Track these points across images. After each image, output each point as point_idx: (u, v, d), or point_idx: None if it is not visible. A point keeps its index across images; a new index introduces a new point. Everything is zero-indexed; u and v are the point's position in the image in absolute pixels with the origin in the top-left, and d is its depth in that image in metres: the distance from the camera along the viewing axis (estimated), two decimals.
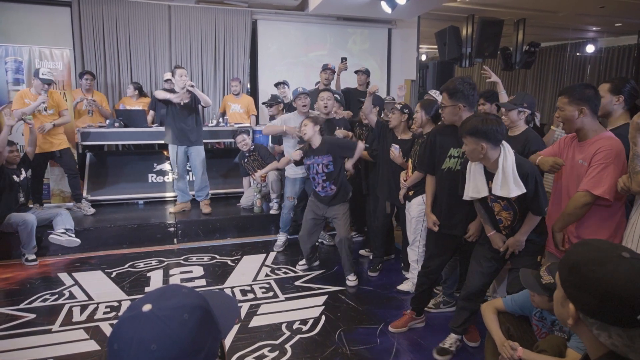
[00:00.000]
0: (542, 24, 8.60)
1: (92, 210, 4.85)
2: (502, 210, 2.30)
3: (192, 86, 4.55)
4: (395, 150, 3.52)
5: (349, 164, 3.72)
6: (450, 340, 2.63)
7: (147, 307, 0.74)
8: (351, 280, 3.66)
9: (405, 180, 3.38)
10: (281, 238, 4.49)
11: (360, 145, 3.72)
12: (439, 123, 3.29)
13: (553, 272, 1.94)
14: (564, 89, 2.28)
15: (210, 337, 0.77)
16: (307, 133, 3.58)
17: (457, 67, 8.28)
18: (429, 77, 8.54)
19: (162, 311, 0.73)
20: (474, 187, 2.30)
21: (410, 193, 3.36)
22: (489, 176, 2.26)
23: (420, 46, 8.30)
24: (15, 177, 4.09)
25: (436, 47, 8.43)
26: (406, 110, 3.55)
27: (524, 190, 2.16)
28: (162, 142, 5.12)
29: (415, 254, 3.35)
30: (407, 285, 3.50)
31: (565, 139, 2.45)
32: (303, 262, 4.00)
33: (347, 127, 4.41)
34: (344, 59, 5.40)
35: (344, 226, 3.64)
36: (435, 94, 3.68)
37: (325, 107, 4.12)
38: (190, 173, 5.27)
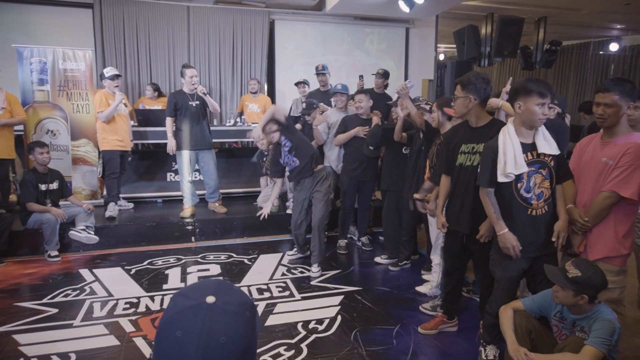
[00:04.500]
0: (564, 22, 8.43)
1: (117, 210, 4.94)
2: (544, 180, 2.24)
3: (205, 94, 4.57)
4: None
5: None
6: (492, 352, 2.50)
7: (211, 299, 0.74)
8: (314, 271, 3.78)
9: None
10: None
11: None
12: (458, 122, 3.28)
13: (580, 266, 1.91)
14: (613, 84, 2.18)
15: (257, 335, 0.80)
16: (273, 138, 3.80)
17: (476, 66, 8.18)
18: (447, 77, 8.44)
19: (228, 305, 0.74)
20: (513, 162, 2.18)
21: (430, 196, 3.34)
22: (526, 148, 2.21)
23: (438, 45, 8.22)
24: (43, 185, 4.18)
25: (454, 46, 8.34)
26: (431, 109, 3.53)
27: (559, 151, 2.21)
28: None
29: (438, 257, 3.32)
30: (426, 288, 3.47)
31: (586, 138, 2.43)
32: (293, 251, 4.16)
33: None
34: (361, 77, 5.54)
35: (320, 209, 3.77)
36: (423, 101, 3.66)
37: (360, 108, 4.18)
38: (198, 175, 5.28)
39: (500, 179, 2.20)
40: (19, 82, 5.03)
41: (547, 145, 2.21)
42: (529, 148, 2.21)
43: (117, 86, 4.74)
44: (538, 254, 2.28)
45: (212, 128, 5.87)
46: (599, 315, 1.92)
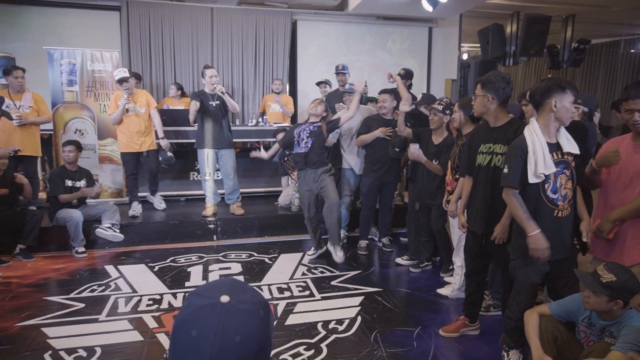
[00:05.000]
0: (593, 19, 8.20)
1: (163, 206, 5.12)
2: (568, 181, 2.21)
3: (223, 93, 4.58)
4: (415, 150, 3.51)
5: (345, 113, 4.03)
6: (514, 357, 2.44)
7: (225, 298, 0.74)
8: (339, 255, 3.84)
9: (447, 185, 3.34)
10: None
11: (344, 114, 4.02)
12: (480, 122, 3.23)
13: (613, 270, 1.86)
14: None
15: (272, 335, 0.79)
16: (317, 109, 3.98)
17: (500, 65, 8.02)
18: (470, 77, 8.32)
19: (242, 304, 0.74)
20: (543, 162, 2.13)
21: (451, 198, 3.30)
22: (551, 148, 2.17)
23: (461, 45, 8.11)
24: (70, 181, 4.30)
25: (478, 45, 8.21)
26: (448, 112, 3.49)
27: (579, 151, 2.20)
28: None
29: (460, 259, 3.28)
30: (447, 290, 3.42)
31: (613, 141, 2.42)
32: (312, 250, 4.20)
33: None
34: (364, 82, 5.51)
35: (332, 191, 3.84)
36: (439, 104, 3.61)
37: (383, 108, 4.16)
38: (219, 174, 5.31)
39: (532, 179, 2.14)
40: (49, 83, 5.20)
41: (570, 144, 2.18)
42: (555, 148, 2.18)
43: (126, 89, 4.62)
44: (561, 257, 2.23)
45: (233, 128, 5.93)
46: (629, 320, 1.86)
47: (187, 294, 0.83)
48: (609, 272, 1.85)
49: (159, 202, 5.18)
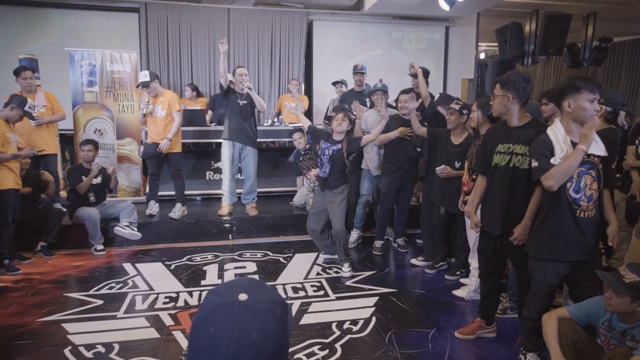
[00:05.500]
0: (616, 17, 8.01)
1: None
2: (594, 182, 2.17)
3: (250, 89, 4.63)
4: (442, 171, 3.54)
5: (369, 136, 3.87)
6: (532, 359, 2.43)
7: (243, 297, 0.74)
8: (346, 271, 3.78)
9: (464, 186, 3.31)
10: (354, 235, 4.59)
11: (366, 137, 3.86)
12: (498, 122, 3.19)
13: (637, 270, 1.82)
14: None
15: (289, 334, 0.80)
16: (342, 125, 3.73)
17: (519, 65, 7.91)
18: (487, 76, 8.21)
19: (259, 303, 0.74)
20: (564, 156, 2.13)
21: (467, 199, 3.26)
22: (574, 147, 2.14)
23: (479, 44, 8.02)
24: (85, 178, 4.37)
25: (496, 44, 8.10)
26: (465, 111, 3.45)
27: (607, 153, 2.16)
28: (220, 140, 5.27)
29: (476, 261, 3.24)
30: (463, 292, 3.39)
31: None
32: (325, 256, 4.12)
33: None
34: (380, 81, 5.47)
35: (339, 218, 3.79)
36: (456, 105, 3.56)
37: (404, 108, 4.08)
38: (239, 174, 5.33)
39: (554, 161, 2.14)
40: (70, 84, 5.30)
41: (596, 145, 2.13)
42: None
43: (148, 92, 4.65)
44: (584, 259, 2.19)
45: None
46: None
47: (206, 292, 0.80)
48: (632, 272, 1.82)
49: (175, 210, 4.96)
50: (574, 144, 2.11)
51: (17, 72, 4.48)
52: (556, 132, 2.16)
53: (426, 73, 4.80)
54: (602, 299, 1.98)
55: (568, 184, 2.14)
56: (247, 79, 4.69)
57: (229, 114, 4.76)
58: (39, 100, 4.54)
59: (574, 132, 2.14)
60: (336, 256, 3.96)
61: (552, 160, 2.13)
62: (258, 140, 5.39)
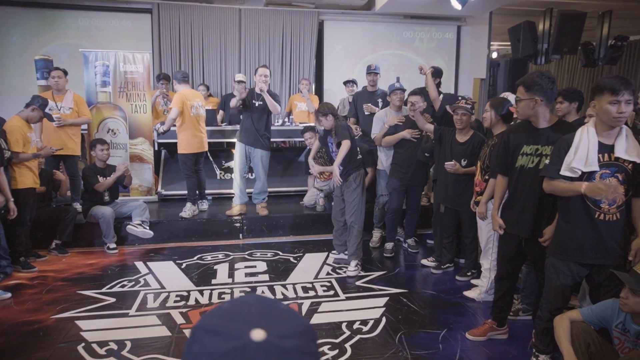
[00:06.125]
0: (632, 15, 7.88)
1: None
2: (620, 186, 2.10)
3: (262, 90, 4.59)
4: (450, 167, 3.51)
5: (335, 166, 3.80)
6: None
7: (259, 335, 0.49)
8: (351, 269, 3.75)
9: (476, 186, 3.29)
10: (376, 234, 4.59)
11: (343, 145, 3.74)
12: (512, 123, 3.15)
13: None
14: None
15: None
16: (324, 125, 3.81)
17: (532, 64, 7.82)
18: (500, 76, 8.15)
19: (285, 340, 0.50)
20: (583, 158, 2.08)
21: (480, 199, 3.24)
22: (603, 148, 2.10)
23: (491, 43, 7.94)
24: (101, 178, 4.43)
25: (509, 43, 8.02)
26: (473, 111, 3.44)
27: None
28: (231, 140, 5.30)
29: (488, 262, 3.22)
30: (474, 293, 3.36)
31: None
32: (337, 255, 4.09)
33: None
34: (397, 79, 5.44)
35: (351, 209, 3.78)
36: (508, 96, 3.51)
37: (413, 109, 4.02)
38: (250, 174, 5.33)
39: (563, 172, 2.11)
40: (84, 84, 5.37)
41: (626, 149, 2.06)
42: (607, 149, 2.09)
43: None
44: (602, 263, 2.14)
45: None
46: None
47: (192, 330, 0.53)
48: None
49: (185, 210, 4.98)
50: (601, 145, 2.08)
51: (50, 72, 4.71)
52: (584, 131, 2.12)
53: (439, 72, 4.78)
54: (616, 301, 1.95)
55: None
56: (266, 79, 4.63)
57: (244, 115, 4.80)
58: (66, 102, 4.66)
59: (605, 133, 2.10)
60: (344, 256, 3.97)
61: (565, 159, 2.11)
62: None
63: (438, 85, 4.97)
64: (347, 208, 3.85)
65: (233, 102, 4.73)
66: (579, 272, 2.20)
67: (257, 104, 4.70)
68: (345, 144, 3.70)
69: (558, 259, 2.23)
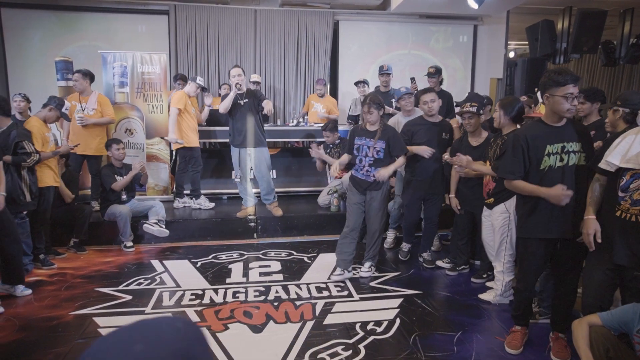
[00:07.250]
0: None
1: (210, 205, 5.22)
2: None
3: (240, 88, 4.48)
4: (459, 170, 3.47)
5: (385, 171, 3.52)
6: None
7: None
8: (365, 270, 3.70)
9: (485, 186, 3.25)
10: (390, 235, 4.55)
11: (402, 160, 3.58)
12: (523, 123, 3.10)
13: None
14: None
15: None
16: (371, 118, 3.55)
17: (550, 63, 7.69)
18: (517, 75, 8.03)
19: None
20: (621, 154, 2.12)
21: (491, 201, 3.19)
22: None
23: (508, 42, 7.84)
24: (118, 177, 4.49)
25: (526, 43, 7.91)
26: (482, 112, 3.37)
27: None
28: None
29: (500, 264, 3.17)
30: (490, 295, 3.32)
31: None
32: (338, 271, 3.66)
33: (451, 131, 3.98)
34: (412, 80, 5.39)
35: (380, 218, 3.65)
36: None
37: (430, 109, 3.74)
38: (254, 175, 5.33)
39: (602, 163, 2.20)
40: (103, 85, 5.46)
41: None
42: None
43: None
44: (623, 263, 2.14)
45: (275, 128, 5.99)
46: None
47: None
48: None
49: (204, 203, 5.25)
50: None
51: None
52: (631, 135, 2.15)
53: (439, 71, 4.89)
54: (637, 305, 1.91)
55: (619, 180, 2.15)
56: (240, 79, 4.48)
57: (233, 117, 4.66)
58: (90, 103, 4.80)
59: None
60: (349, 275, 3.71)
61: (609, 159, 2.18)
62: (283, 140, 5.43)
63: (440, 82, 4.95)
64: (372, 214, 3.64)
65: (226, 103, 4.51)
66: (610, 266, 2.22)
67: (242, 103, 4.59)
68: (402, 161, 3.58)
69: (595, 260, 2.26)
